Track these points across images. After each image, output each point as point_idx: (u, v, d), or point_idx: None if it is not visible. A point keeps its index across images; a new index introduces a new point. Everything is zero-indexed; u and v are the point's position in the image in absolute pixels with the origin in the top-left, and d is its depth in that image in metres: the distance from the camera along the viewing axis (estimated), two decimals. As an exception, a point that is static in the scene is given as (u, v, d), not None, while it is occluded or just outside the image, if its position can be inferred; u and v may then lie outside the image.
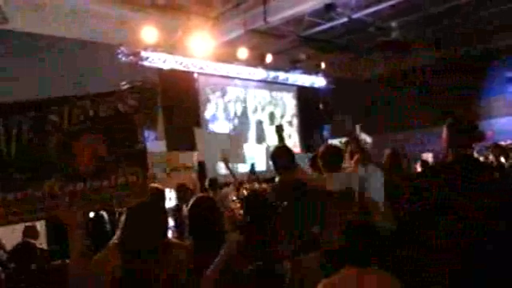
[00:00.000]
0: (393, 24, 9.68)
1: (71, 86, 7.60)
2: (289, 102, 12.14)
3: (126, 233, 2.14)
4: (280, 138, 3.47)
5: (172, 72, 8.90)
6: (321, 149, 3.39)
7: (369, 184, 3.25)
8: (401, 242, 2.64)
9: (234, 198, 4.35)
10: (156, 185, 2.44)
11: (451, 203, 2.44)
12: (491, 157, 6.71)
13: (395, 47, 10.25)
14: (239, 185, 3.93)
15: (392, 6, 8.56)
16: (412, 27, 9.81)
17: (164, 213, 2.36)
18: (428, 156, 9.88)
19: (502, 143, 8.13)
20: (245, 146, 8.75)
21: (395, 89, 12.03)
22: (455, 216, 2.41)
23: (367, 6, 8.64)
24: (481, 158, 6.98)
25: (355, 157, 3.42)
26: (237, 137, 8.80)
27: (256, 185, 3.14)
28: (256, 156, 9.19)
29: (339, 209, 2.93)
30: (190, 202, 2.60)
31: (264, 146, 10.28)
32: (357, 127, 9.29)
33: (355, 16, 9.00)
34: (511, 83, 11.04)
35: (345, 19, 9.07)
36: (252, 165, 4.29)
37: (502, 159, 6.34)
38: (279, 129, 3.50)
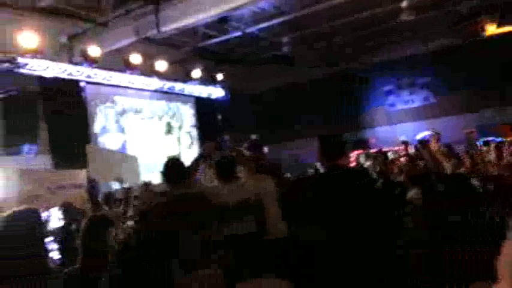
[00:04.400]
0: (284, 39, 10.13)
1: None
2: (187, 113, 11.96)
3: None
4: None
5: (57, 80, 8.18)
6: (215, 160, 3.35)
7: (264, 194, 3.28)
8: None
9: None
10: (27, 205, 2.15)
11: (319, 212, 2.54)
12: (368, 164, 7.21)
13: (284, 61, 10.72)
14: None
15: (283, 22, 8.99)
16: (302, 43, 10.37)
17: (38, 237, 2.08)
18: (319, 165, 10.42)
19: (385, 149, 8.88)
20: (141, 162, 8.40)
21: (290, 100, 12.61)
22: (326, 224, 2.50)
23: (260, 22, 8.95)
24: (368, 163, 7.54)
25: (247, 168, 3.44)
26: (132, 157, 8.42)
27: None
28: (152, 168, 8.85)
29: (234, 220, 2.91)
30: (84, 222, 2.39)
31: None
32: (253, 137, 9.49)
33: (248, 30, 9.25)
34: (389, 95, 12.22)
35: (239, 33, 9.28)
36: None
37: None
38: None
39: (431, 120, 10.37)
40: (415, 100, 11.82)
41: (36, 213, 2.16)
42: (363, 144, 10.38)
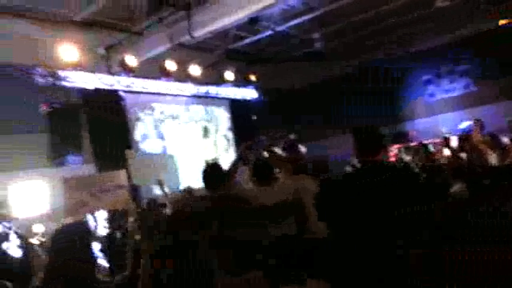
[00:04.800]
0: (315, 35, 10.02)
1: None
2: (222, 116, 12.05)
3: (48, 275, 1.97)
4: None
5: (97, 91, 8.46)
6: (252, 163, 3.37)
7: (303, 191, 3.26)
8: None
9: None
10: (74, 218, 2.25)
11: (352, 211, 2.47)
12: (409, 158, 7.02)
13: (317, 58, 10.60)
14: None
15: (313, 18, 8.90)
16: (332, 38, 10.22)
17: (85, 248, 2.16)
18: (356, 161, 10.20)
19: (426, 141, 8.63)
20: (180, 165, 8.58)
21: (322, 97, 12.44)
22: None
23: (289, 19, 8.91)
24: (408, 158, 7.34)
25: (284, 168, 3.42)
26: (169, 157, 8.60)
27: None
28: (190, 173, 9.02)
29: (273, 223, 2.90)
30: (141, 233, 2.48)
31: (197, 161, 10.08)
32: (290, 137, 9.47)
33: (278, 29, 9.23)
34: (428, 85, 11.84)
35: (270, 32, 9.28)
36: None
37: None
38: None
39: (471, 109, 9.97)
40: (455, 89, 11.40)
41: (83, 226, 2.25)
42: (403, 137, 10.11)
